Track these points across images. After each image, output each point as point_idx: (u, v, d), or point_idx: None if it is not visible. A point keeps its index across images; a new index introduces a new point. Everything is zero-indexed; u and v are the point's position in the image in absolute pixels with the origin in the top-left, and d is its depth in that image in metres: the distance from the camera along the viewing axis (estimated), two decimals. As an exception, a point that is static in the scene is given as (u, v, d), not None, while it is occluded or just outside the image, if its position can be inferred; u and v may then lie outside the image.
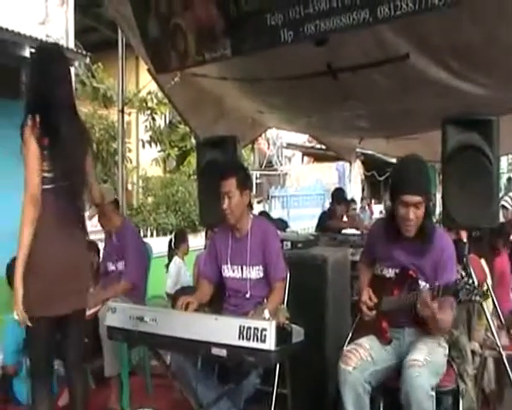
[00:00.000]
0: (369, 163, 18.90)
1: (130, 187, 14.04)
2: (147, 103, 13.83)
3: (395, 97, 4.55)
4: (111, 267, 4.44)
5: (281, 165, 19.89)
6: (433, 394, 2.68)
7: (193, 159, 13.32)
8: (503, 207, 6.69)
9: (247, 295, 3.37)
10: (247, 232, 3.42)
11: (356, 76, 4.11)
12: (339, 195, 7.69)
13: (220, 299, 3.50)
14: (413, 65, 3.75)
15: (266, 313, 3.00)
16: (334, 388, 2.98)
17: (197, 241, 8.84)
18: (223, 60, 3.81)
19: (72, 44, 9.09)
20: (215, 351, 2.64)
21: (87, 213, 3.40)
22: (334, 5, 3.06)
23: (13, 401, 4.15)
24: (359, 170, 19.92)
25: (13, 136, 2.94)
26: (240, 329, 2.59)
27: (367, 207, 17.16)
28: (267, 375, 3.19)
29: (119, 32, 5.84)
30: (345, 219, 7.57)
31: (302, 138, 18.07)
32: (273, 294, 3.32)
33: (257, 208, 12.08)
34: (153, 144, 14.47)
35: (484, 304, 3.60)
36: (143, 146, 14.64)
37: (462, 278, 2.70)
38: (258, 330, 2.56)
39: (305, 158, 22.02)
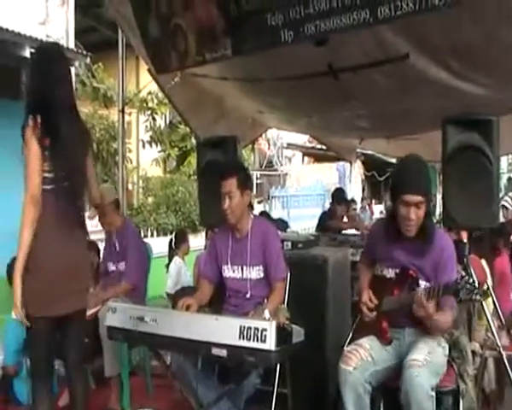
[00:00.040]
0: (370, 163, 18.91)
1: (130, 187, 14.04)
2: (147, 103, 13.83)
3: (395, 97, 4.55)
4: (111, 268, 4.44)
5: (281, 165, 19.89)
6: (433, 394, 2.68)
7: (193, 159, 13.31)
8: (504, 207, 6.69)
9: (248, 296, 3.37)
10: (247, 233, 3.42)
11: (356, 76, 4.11)
12: (339, 195, 7.69)
13: (220, 299, 3.50)
14: (413, 65, 3.75)
15: (266, 314, 3.00)
16: (335, 388, 2.98)
17: (197, 241, 8.84)
18: (223, 60, 3.81)
19: (72, 44, 9.09)
20: (215, 351, 2.65)
21: (87, 214, 3.40)
22: (334, 5, 3.06)
23: (13, 402, 4.15)
24: (359, 170, 19.93)
25: (13, 136, 2.94)
26: (240, 329, 2.59)
27: (367, 208, 17.16)
28: (267, 375, 3.19)
29: (120, 32, 5.84)
30: (345, 219, 7.57)
31: (302, 139, 18.07)
32: (273, 294, 3.32)
33: (257, 209, 12.08)
34: (153, 144, 14.47)
35: (484, 304, 3.60)
36: (144, 146, 14.64)
37: (463, 277, 2.69)
38: (258, 330, 2.56)
39: (306, 158, 22.02)
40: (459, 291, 2.66)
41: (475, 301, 2.91)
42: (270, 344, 2.54)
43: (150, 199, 14.59)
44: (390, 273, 3.06)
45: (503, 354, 3.62)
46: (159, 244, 7.47)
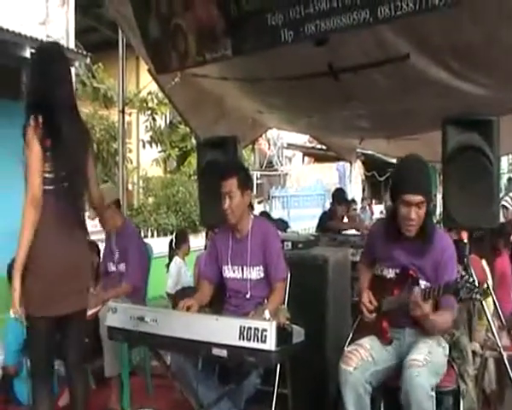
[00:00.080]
0: (370, 163, 18.91)
1: (130, 187, 14.05)
2: (147, 104, 13.85)
3: (396, 98, 4.55)
4: (111, 268, 4.44)
5: (281, 165, 19.90)
6: (433, 394, 2.68)
7: (193, 159, 13.32)
8: (504, 207, 6.69)
9: (248, 296, 3.37)
10: (247, 233, 3.42)
11: (356, 76, 4.11)
12: (339, 195, 7.69)
13: (221, 299, 3.50)
14: (413, 65, 3.75)
15: (267, 314, 3.00)
16: (335, 388, 2.98)
17: (198, 241, 8.84)
18: (223, 60, 3.81)
19: (72, 45, 9.10)
20: (216, 351, 2.65)
21: (88, 214, 3.39)
22: (334, 5, 3.06)
23: (13, 402, 4.15)
24: (360, 170, 19.93)
25: (13, 136, 2.94)
26: (240, 329, 2.59)
27: (367, 208, 17.15)
28: (268, 375, 3.19)
29: (120, 32, 5.84)
30: (345, 219, 7.57)
31: (303, 139, 18.08)
32: (274, 294, 3.32)
33: (257, 209, 12.09)
34: (153, 145, 14.49)
35: (485, 304, 3.60)
36: (144, 146, 14.65)
37: (463, 277, 2.69)
38: (258, 330, 2.56)
39: (306, 158, 22.03)
40: (459, 290, 2.66)
41: (475, 301, 2.91)
42: (271, 344, 2.53)
43: (150, 199, 14.60)
44: (390, 273, 3.06)
45: (504, 354, 3.62)
46: (159, 244, 7.48)
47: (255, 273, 3.38)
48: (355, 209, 10.11)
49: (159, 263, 5.83)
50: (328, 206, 10.33)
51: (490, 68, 3.76)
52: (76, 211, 2.96)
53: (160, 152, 15.21)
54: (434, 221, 3.32)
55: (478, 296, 2.66)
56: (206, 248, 5.26)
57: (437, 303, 2.88)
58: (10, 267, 3.86)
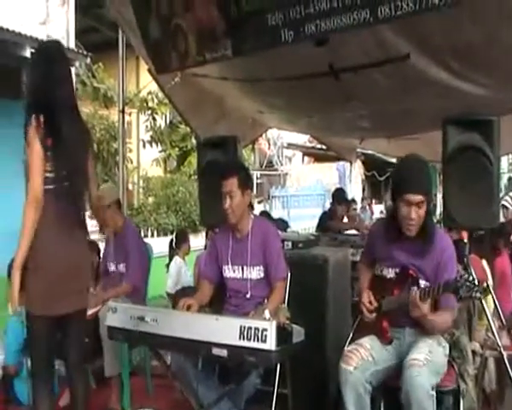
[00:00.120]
0: (370, 163, 18.92)
1: (130, 187, 14.06)
2: (147, 103, 13.86)
3: (396, 98, 4.55)
4: (111, 268, 4.43)
5: (281, 165, 19.91)
6: (434, 393, 2.68)
7: (193, 159, 13.33)
8: (504, 206, 6.68)
9: (248, 296, 3.37)
10: (247, 233, 3.42)
11: (357, 76, 4.11)
12: (339, 195, 7.69)
13: (221, 299, 3.50)
14: (413, 65, 3.75)
15: (267, 314, 3.00)
16: (335, 388, 2.98)
17: (198, 241, 8.85)
18: (223, 60, 3.81)
19: (72, 45, 9.11)
20: (216, 351, 2.65)
21: (88, 214, 3.39)
22: (334, 5, 3.06)
23: (14, 402, 4.15)
24: (360, 170, 19.95)
25: (13, 136, 2.95)
26: (240, 329, 2.59)
27: (367, 208, 17.15)
28: (268, 375, 3.19)
29: (120, 32, 5.85)
30: (345, 219, 7.57)
31: (303, 138, 18.09)
32: (274, 294, 3.32)
33: (257, 208, 12.09)
34: (153, 144, 14.50)
35: (485, 304, 3.61)
36: (144, 146, 14.67)
37: (462, 276, 2.70)
38: (258, 330, 2.56)
39: (306, 158, 22.04)
40: (459, 289, 2.66)
41: (475, 299, 2.90)
42: (271, 344, 2.53)
43: (151, 199, 14.61)
44: (390, 273, 3.06)
45: (504, 353, 3.62)
46: (159, 244, 7.48)
47: (255, 273, 3.38)
48: (355, 209, 10.10)
49: (159, 263, 5.83)
50: (328, 206, 10.33)
51: (490, 68, 3.76)
52: (76, 211, 2.96)
53: (160, 152, 15.22)
54: (434, 221, 3.32)
55: (478, 295, 2.66)
56: (206, 247, 5.26)
57: (436, 303, 2.88)
58: (10, 267, 3.87)
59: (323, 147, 12.03)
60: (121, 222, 4.42)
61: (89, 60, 9.42)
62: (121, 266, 4.34)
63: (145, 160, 15.36)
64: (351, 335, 3.22)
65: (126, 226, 4.45)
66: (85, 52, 9.02)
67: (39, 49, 3.22)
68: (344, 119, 5.68)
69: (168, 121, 15.38)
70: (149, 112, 14.08)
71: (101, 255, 4.75)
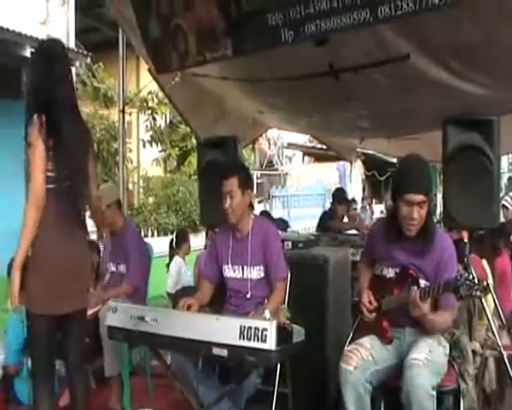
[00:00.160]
0: (370, 163, 18.93)
1: (130, 187, 14.06)
2: (147, 103, 13.86)
3: (396, 97, 4.55)
4: (111, 268, 4.43)
5: (281, 165, 19.91)
6: (434, 393, 2.68)
7: (193, 159, 13.33)
8: (504, 206, 6.68)
9: (248, 296, 3.37)
10: (247, 232, 3.42)
11: (357, 76, 4.11)
12: (339, 195, 7.69)
13: (221, 299, 3.50)
14: (413, 65, 3.75)
15: (267, 313, 3.00)
16: (335, 387, 2.98)
17: (198, 241, 8.85)
18: (224, 60, 3.81)
19: (72, 44, 9.12)
20: (216, 351, 2.65)
21: (88, 213, 3.39)
22: (334, 5, 3.06)
23: (14, 402, 4.14)
24: (360, 170, 19.95)
25: (13, 136, 2.95)
26: (240, 329, 2.59)
27: (368, 207, 17.16)
28: (268, 375, 3.20)
29: (120, 32, 5.85)
30: (345, 219, 7.57)
31: (303, 138, 18.09)
32: (274, 294, 3.32)
33: (258, 208, 12.09)
34: (153, 144, 14.50)
35: (485, 304, 3.61)
36: (144, 146, 14.67)
37: (462, 275, 2.70)
38: (258, 330, 2.56)
39: (306, 158, 22.04)
40: (459, 288, 2.66)
41: (475, 298, 2.91)
42: (271, 344, 2.53)
43: (151, 199, 14.61)
44: (390, 273, 3.06)
45: (504, 353, 3.62)
46: (159, 244, 7.48)
47: (255, 273, 3.38)
48: (355, 209, 10.11)
49: (159, 263, 5.83)
50: (328, 205, 10.33)
51: (490, 68, 3.76)
52: (76, 210, 2.96)
53: (160, 152, 15.22)
54: (434, 221, 3.32)
55: (478, 293, 2.66)
56: (206, 247, 5.26)
57: (436, 302, 2.88)
58: (10, 267, 3.87)
59: (324, 147, 12.04)
60: (121, 222, 4.42)
61: (89, 59, 9.43)
62: (121, 267, 4.34)
63: (145, 160, 15.36)
64: (351, 335, 3.22)
65: (126, 226, 4.45)
66: (85, 52, 9.03)
67: (40, 49, 3.21)
68: (344, 119, 5.68)
69: (168, 121, 15.38)
70: (149, 112, 14.08)
71: (101, 255, 4.75)
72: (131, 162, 13.41)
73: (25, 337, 3.31)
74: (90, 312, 3.61)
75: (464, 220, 3.48)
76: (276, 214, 10.25)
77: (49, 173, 2.82)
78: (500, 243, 4.93)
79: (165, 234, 12.38)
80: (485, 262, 4.27)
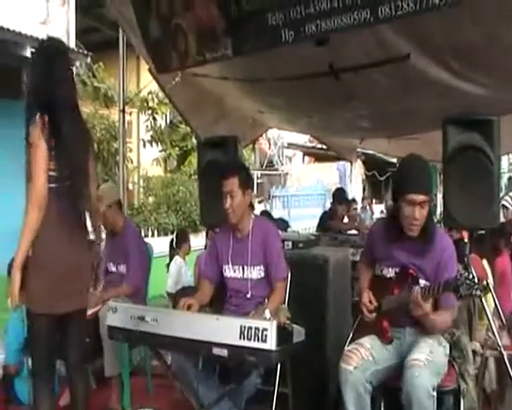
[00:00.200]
0: (370, 163, 18.94)
1: (131, 187, 14.04)
2: (148, 103, 13.84)
3: (396, 97, 4.55)
4: (112, 268, 4.42)
5: (282, 165, 19.90)
6: (435, 394, 2.68)
7: (194, 159, 13.31)
8: (504, 206, 6.69)
9: (248, 296, 3.37)
10: (248, 232, 3.42)
11: (357, 76, 4.11)
12: (340, 195, 7.69)
13: (221, 299, 3.51)
14: (414, 65, 3.75)
15: (267, 313, 3.01)
16: (335, 387, 2.98)
17: (198, 241, 8.85)
18: (224, 60, 3.81)
19: (73, 44, 9.12)
20: (216, 351, 2.65)
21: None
22: (335, 5, 3.06)
23: (14, 401, 4.15)
24: (360, 170, 19.96)
25: (13, 136, 2.95)
26: (241, 329, 2.59)
27: (368, 207, 17.16)
28: (268, 375, 3.20)
29: (120, 32, 5.85)
30: (346, 219, 7.57)
31: (303, 138, 18.09)
32: (274, 294, 3.32)
33: (258, 208, 12.09)
34: (154, 144, 14.48)
35: (485, 303, 3.61)
36: (144, 146, 14.66)
37: (462, 274, 2.70)
38: (259, 330, 2.56)
39: (306, 158, 22.05)
40: (459, 287, 2.66)
41: (476, 297, 2.91)
42: (271, 344, 2.53)
43: (151, 199, 14.60)
44: (390, 273, 3.06)
45: (504, 353, 3.62)
46: (159, 244, 7.48)
47: (256, 273, 3.38)
48: (355, 209, 10.11)
49: (159, 263, 5.83)
50: (328, 205, 10.33)
51: (490, 68, 3.76)
52: (77, 210, 2.96)
53: (160, 151, 15.20)
54: (435, 221, 3.32)
55: (478, 292, 2.66)
56: (206, 247, 5.26)
57: (436, 302, 2.88)
58: (10, 266, 3.87)
59: (324, 147, 12.04)
60: (122, 222, 4.41)
61: (89, 59, 9.43)
62: (122, 267, 4.34)
63: (145, 159, 15.34)
64: (351, 335, 3.22)
65: (127, 227, 4.44)
66: (86, 52, 9.03)
67: (41, 48, 3.20)
68: (344, 119, 5.68)
69: (168, 121, 15.37)
70: (150, 112, 14.06)
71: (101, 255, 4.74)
72: (132, 162, 13.40)
73: (25, 337, 3.31)
74: (89, 312, 3.61)
75: (464, 220, 3.48)
76: (276, 214, 10.25)
77: (51, 173, 2.82)
78: (500, 243, 4.93)
79: (166, 234, 12.38)
80: (485, 262, 4.27)
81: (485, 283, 2.77)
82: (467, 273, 2.70)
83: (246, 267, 3.39)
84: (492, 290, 3.85)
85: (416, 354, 2.76)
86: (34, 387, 2.96)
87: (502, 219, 5.57)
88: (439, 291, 2.75)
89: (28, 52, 6.78)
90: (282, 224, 6.24)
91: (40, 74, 2.93)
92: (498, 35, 3.29)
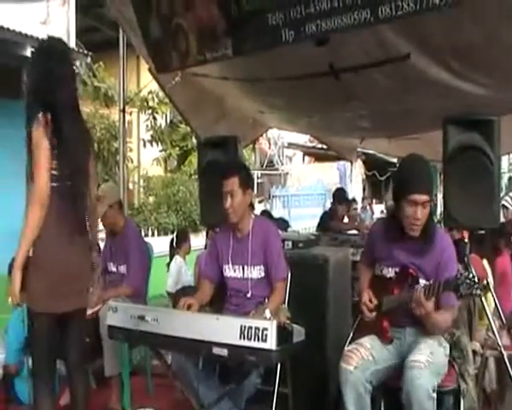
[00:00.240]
0: (370, 163, 18.94)
1: (131, 187, 14.05)
2: (148, 103, 13.85)
3: (396, 97, 4.55)
4: (112, 268, 4.42)
5: (282, 164, 19.91)
6: (435, 395, 2.68)
7: (194, 158, 13.32)
8: (504, 206, 6.68)
9: (249, 295, 3.37)
10: (248, 232, 3.42)
11: (357, 76, 4.11)
12: (340, 195, 7.69)
13: (221, 299, 3.51)
14: (414, 65, 3.75)
15: (267, 313, 3.01)
16: (335, 387, 2.98)
17: (198, 240, 8.85)
18: (224, 59, 3.81)
19: (73, 44, 9.12)
20: (216, 351, 2.65)
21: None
22: (335, 5, 3.06)
23: (14, 401, 4.15)
24: (360, 170, 19.97)
25: (13, 136, 2.94)
26: (241, 328, 2.60)
27: (368, 207, 17.16)
28: (268, 375, 3.20)
29: (121, 31, 5.85)
30: (346, 219, 7.57)
31: (303, 138, 18.09)
32: (274, 294, 3.32)
33: (258, 208, 12.09)
34: (154, 144, 14.49)
35: (485, 303, 3.61)
36: (144, 145, 14.66)
37: (462, 274, 2.70)
38: (259, 329, 2.56)
39: (306, 158, 22.05)
40: (459, 286, 2.66)
41: (476, 296, 2.91)
42: (271, 344, 2.54)
43: (151, 198, 14.61)
44: (390, 273, 3.06)
45: (504, 353, 3.62)
46: (159, 244, 7.49)
47: (256, 273, 3.38)
48: (355, 209, 10.11)
49: (159, 262, 5.83)
50: (328, 205, 10.33)
51: (490, 68, 3.76)
52: (77, 210, 2.96)
53: (160, 151, 15.21)
54: (435, 221, 3.32)
55: (478, 292, 2.67)
56: (206, 247, 5.26)
57: (437, 302, 2.88)
58: (11, 266, 3.87)
59: (324, 147, 12.04)
60: (122, 222, 4.41)
61: (89, 59, 9.42)
62: (122, 268, 4.33)
63: (145, 159, 15.35)
64: (351, 334, 3.21)
65: (127, 227, 4.44)
66: (86, 51, 9.03)
67: (41, 47, 3.19)
68: (344, 119, 5.68)
69: (169, 121, 15.37)
70: (150, 111, 14.07)
71: (101, 255, 4.73)
72: (132, 162, 13.41)
73: (25, 337, 3.31)
74: (89, 311, 3.61)
75: (464, 220, 3.48)
76: (276, 214, 10.25)
77: (53, 172, 2.82)
78: (501, 243, 4.93)
79: (166, 234, 12.38)
80: (485, 262, 4.27)
81: (485, 282, 2.78)
82: (467, 273, 2.70)
83: (246, 267, 3.39)
84: (492, 290, 3.85)
85: (417, 355, 2.76)
86: (35, 387, 2.96)
87: (502, 220, 5.57)
88: (439, 290, 2.75)
89: (28, 52, 6.78)
90: (283, 224, 6.24)
91: (41, 73, 2.92)
92: (498, 35, 3.29)
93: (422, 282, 2.91)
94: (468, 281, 2.64)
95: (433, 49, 3.62)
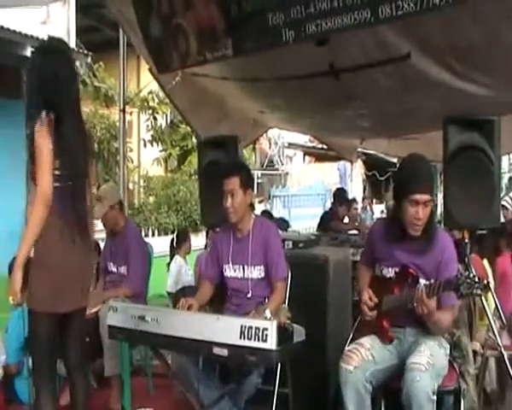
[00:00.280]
0: (371, 163, 18.95)
1: (131, 187, 14.07)
2: (148, 103, 13.88)
3: (396, 97, 4.55)
4: (112, 268, 4.41)
5: (282, 164, 19.93)
6: (435, 397, 2.67)
7: (194, 158, 13.35)
8: (504, 207, 6.68)
9: (249, 295, 3.37)
10: (248, 232, 3.42)
11: (357, 76, 4.11)
12: (340, 195, 7.70)
13: (221, 299, 3.51)
14: (414, 65, 3.75)
15: (267, 313, 3.00)
16: (335, 387, 2.98)
17: (198, 240, 8.85)
18: (224, 59, 3.81)
19: (73, 44, 9.13)
20: (216, 351, 2.65)
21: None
22: (335, 5, 3.06)
23: (15, 401, 4.15)
24: (360, 170, 20.01)
25: (13, 136, 2.94)
26: (241, 328, 2.60)
27: (368, 207, 17.17)
28: (268, 375, 3.19)
29: (121, 31, 5.85)
30: (346, 219, 7.57)
31: (303, 138, 18.11)
32: (274, 294, 3.32)
33: (258, 208, 12.09)
34: (154, 144, 14.53)
35: (485, 303, 3.60)
36: (145, 145, 14.70)
37: (462, 273, 2.70)
38: (259, 329, 2.57)
39: (307, 158, 22.07)
40: (460, 286, 2.65)
41: (476, 296, 2.90)
42: (271, 344, 2.54)
43: (151, 198, 14.64)
44: (390, 273, 3.06)
45: (504, 353, 3.61)
46: (160, 244, 7.50)
47: (256, 273, 3.38)
48: (356, 209, 10.11)
49: (159, 262, 5.84)
50: (329, 205, 10.34)
51: (490, 68, 3.75)
52: (78, 210, 2.96)
53: (160, 151, 15.24)
54: (435, 220, 3.32)
55: (478, 291, 2.66)
56: (206, 247, 5.27)
57: (437, 302, 2.88)
58: (11, 266, 3.87)
59: (324, 147, 12.03)
60: (123, 223, 4.41)
61: (89, 59, 9.45)
62: (122, 268, 4.31)
63: (146, 159, 15.38)
64: (351, 334, 3.21)
65: (128, 227, 4.43)
66: (86, 51, 9.05)
67: (42, 47, 3.19)
68: (344, 119, 5.67)
69: (169, 121, 15.40)
70: (150, 111, 14.10)
71: (101, 255, 4.74)
72: (132, 162, 13.44)
73: (25, 336, 3.31)
74: (90, 311, 3.61)
75: (465, 220, 3.48)
76: (276, 214, 10.27)
77: (56, 172, 2.82)
78: (501, 243, 4.92)
79: (166, 234, 12.41)
80: (486, 262, 4.27)
81: (485, 282, 2.77)
82: (467, 272, 2.70)
83: (246, 267, 3.39)
84: (493, 290, 3.85)
85: (417, 357, 2.75)
86: (35, 386, 2.96)
87: (501, 220, 5.57)
88: (440, 290, 2.75)
89: (28, 52, 6.78)
90: (283, 224, 6.25)
91: (43, 74, 2.92)
92: (499, 35, 3.28)
93: (422, 282, 2.91)
94: (468, 281, 2.64)
95: (433, 49, 3.62)
